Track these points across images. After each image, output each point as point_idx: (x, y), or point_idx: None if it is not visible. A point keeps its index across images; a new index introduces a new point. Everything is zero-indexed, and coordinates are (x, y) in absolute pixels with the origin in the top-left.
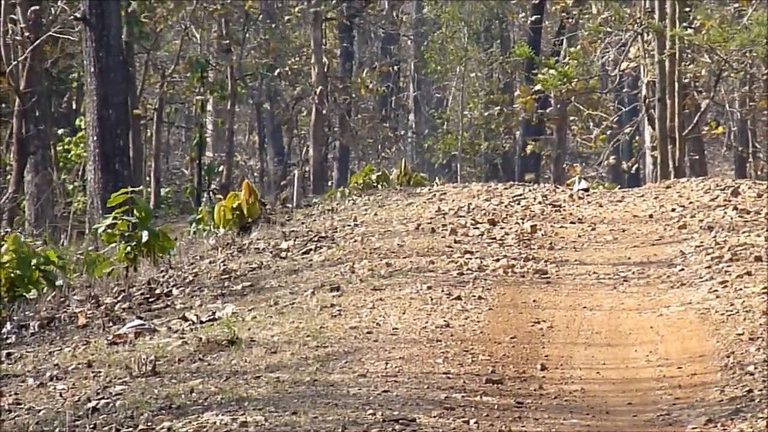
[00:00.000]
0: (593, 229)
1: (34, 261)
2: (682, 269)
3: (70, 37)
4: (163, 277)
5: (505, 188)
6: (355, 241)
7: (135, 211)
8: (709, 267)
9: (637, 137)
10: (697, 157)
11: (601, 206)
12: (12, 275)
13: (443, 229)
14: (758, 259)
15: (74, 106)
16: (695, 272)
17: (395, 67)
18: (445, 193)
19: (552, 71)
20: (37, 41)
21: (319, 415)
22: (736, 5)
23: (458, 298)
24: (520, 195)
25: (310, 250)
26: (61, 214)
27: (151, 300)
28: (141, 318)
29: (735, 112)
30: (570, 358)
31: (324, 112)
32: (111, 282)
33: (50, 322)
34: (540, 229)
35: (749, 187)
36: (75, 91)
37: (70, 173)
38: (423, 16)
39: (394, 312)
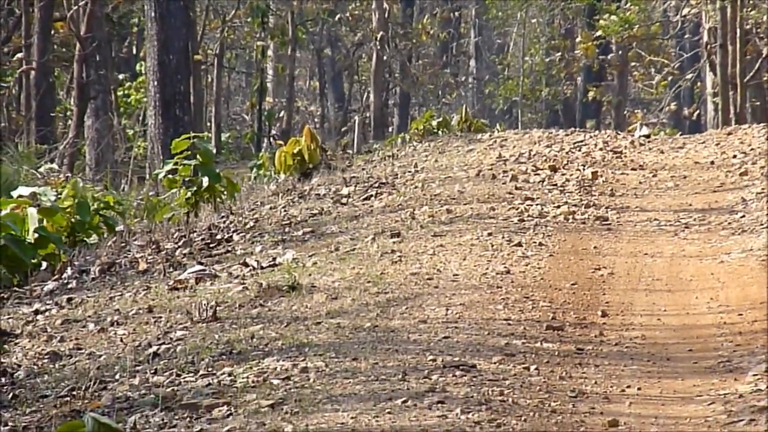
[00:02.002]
0: (654, 176)
1: (94, 206)
2: (743, 216)
3: None
4: (224, 222)
5: (566, 134)
6: (416, 187)
7: (197, 156)
8: None
9: (698, 83)
10: (758, 103)
11: (662, 153)
12: (72, 220)
13: (504, 175)
14: None
15: (134, 51)
16: (756, 219)
17: (456, 13)
18: (505, 140)
19: (613, 17)
20: None
21: (380, 361)
22: None
23: (519, 244)
24: (581, 141)
25: (371, 196)
26: (122, 160)
27: (211, 245)
28: (201, 263)
29: None
30: (630, 305)
31: (385, 58)
32: (171, 227)
33: (111, 267)
34: (601, 176)
35: None
36: (135, 36)
37: (131, 118)
38: None
39: (454, 258)
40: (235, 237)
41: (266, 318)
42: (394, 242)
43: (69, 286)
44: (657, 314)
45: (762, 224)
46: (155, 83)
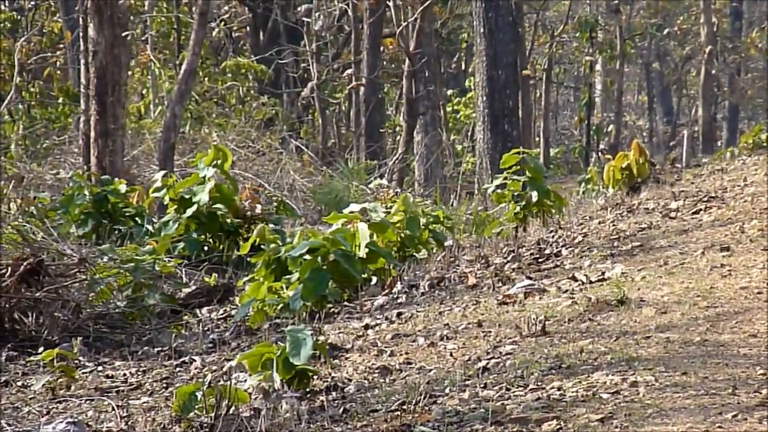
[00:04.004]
0: None
1: (423, 221)
2: None
3: None
4: (552, 237)
5: None
6: (745, 201)
7: (526, 171)
8: None
9: None
10: None
11: None
12: (402, 235)
13: None
14: None
15: (463, 67)
16: None
17: None
18: None
19: None
20: (427, 3)
21: (709, 375)
22: None
23: None
24: None
25: (700, 210)
26: (450, 175)
27: (540, 260)
28: (530, 278)
29: None
30: None
31: (713, 71)
32: (500, 242)
33: (440, 281)
34: None
35: None
36: (464, 51)
37: (459, 134)
38: None
39: None
40: (564, 251)
41: (595, 332)
42: (723, 256)
43: (398, 300)
44: None
45: None
46: (484, 98)
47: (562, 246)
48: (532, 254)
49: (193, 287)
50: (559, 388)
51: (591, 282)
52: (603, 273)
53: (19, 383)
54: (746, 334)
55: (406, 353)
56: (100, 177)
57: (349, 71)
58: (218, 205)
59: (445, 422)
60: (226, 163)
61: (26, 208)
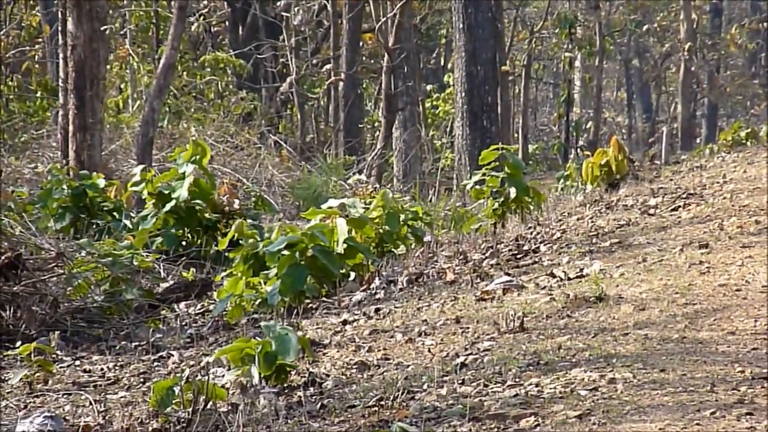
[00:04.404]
0: None
1: (402, 217)
2: None
3: None
4: (531, 233)
5: None
6: (724, 198)
7: (505, 167)
8: None
9: None
10: None
11: None
12: (381, 231)
13: None
14: None
15: (442, 63)
16: None
17: (765, 24)
18: None
19: None
20: None
21: (688, 372)
22: None
23: None
24: None
25: (679, 207)
26: (429, 171)
27: (518, 256)
28: (509, 274)
29: None
30: None
31: (692, 68)
32: (479, 238)
33: (418, 277)
34: None
35: None
36: (443, 47)
37: (438, 129)
38: None
39: (763, 269)
40: (542, 248)
41: (573, 329)
42: (702, 253)
43: (377, 296)
44: None
45: None
46: (463, 94)
47: (540, 242)
48: (510, 250)
49: (171, 282)
50: (537, 385)
51: (569, 278)
52: (581, 269)
53: None
54: (725, 332)
55: (384, 349)
56: (78, 171)
57: (328, 66)
58: (197, 201)
59: (422, 418)
60: (204, 159)
61: (4, 202)
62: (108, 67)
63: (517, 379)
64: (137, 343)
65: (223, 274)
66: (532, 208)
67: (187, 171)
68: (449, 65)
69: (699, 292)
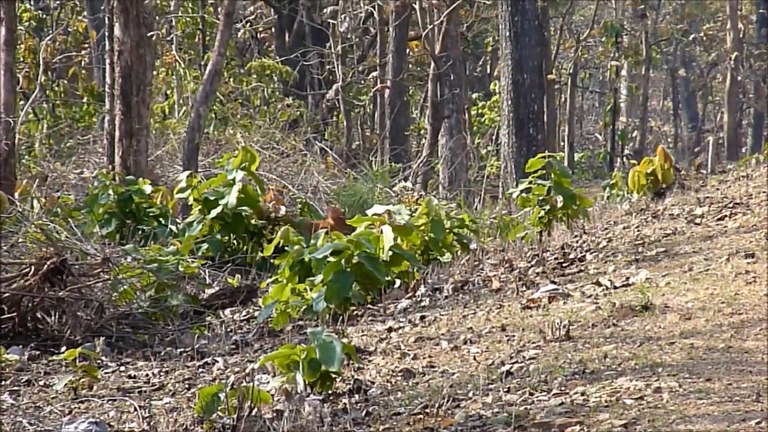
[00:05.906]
0: None
1: (447, 224)
2: None
3: (485, 1)
4: (577, 241)
5: None
6: None
7: (551, 175)
8: None
9: None
10: None
11: None
12: (426, 238)
13: None
14: None
15: (488, 71)
16: None
17: None
18: None
19: None
20: (453, 6)
21: (734, 382)
22: None
23: None
24: None
25: (725, 216)
26: (475, 178)
27: (564, 264)
28: (554, 282)
29: None
30: None
31: (739, 78)
32: (524, 246)
33: (464, 285)
34: None
35: None
36: (489, 55)
37: (484, 137)
38: None
39: None
40: (588, 256)
41: (619, 337)
42: (748, 263)
43: (422, 303)
44: None
45: None
46: (509, 102)
47: (586, 251)
48: (556, 258)
49: (217, 288)
50: (582, 393)
51: (615, 287)
52: (627, 278)
53: (42, 383)
54: None
55: (430, 356)
56: (124, 177)
57: (374, 74)
58: (243, 207)
59: (468, 426)
60: (253, 165)
61: (50, 208)
62: (154, 72)
63: (562, 388)
64: (182, 349)
65: (269, 280)
66: (579, 216)
67: (236, 177)
68: (495, 73)
69: (745, 302)
